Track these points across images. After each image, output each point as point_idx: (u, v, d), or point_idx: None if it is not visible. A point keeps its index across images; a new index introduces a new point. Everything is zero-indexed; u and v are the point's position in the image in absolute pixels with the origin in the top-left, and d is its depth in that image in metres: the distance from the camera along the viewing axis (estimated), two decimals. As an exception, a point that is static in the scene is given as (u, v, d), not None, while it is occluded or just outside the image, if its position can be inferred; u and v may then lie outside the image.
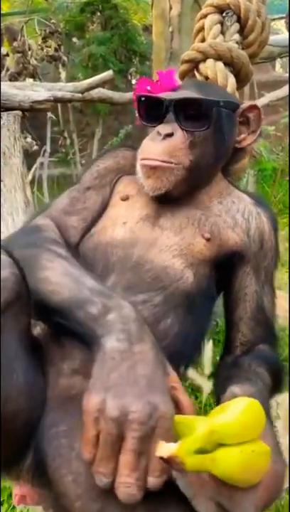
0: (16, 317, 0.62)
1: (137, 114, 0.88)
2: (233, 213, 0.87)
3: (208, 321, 0.89)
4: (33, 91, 1.93)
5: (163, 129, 0.78)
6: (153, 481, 0.53)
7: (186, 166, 0.79)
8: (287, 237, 5.39)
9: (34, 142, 3.09)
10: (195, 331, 0.82)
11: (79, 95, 2.49)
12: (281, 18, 9.29)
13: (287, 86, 4.64)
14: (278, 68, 10.09)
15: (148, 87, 0.91)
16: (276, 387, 0.81)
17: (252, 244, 0.86)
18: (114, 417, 0.51)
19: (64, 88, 2.46)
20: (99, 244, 0.81)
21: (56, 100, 2.05)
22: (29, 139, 2.89)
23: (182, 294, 0.77)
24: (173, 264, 0.77)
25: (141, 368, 0.54)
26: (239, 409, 0.51)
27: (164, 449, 0.49)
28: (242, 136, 0.90)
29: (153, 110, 0.82)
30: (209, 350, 1.63)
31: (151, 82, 0.91)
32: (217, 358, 2.19)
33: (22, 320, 0.66)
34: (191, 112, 0.79)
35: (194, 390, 2.66)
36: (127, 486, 0.51)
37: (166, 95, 0.83)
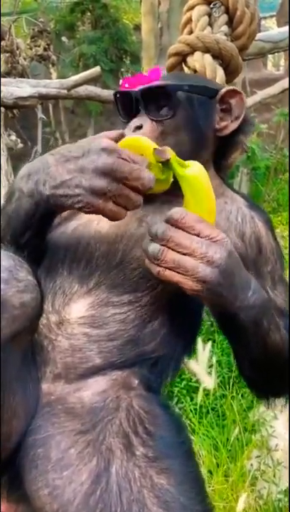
0: (24, 337, 0.63)
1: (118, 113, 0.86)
2: (227, 215, 0.82)
3: (198, 321, 0.84)
4: (18, 87, 1.88)
5: (134, 122, 0.76)
6: None
7: None
8: (282, 236, 5.39)
9: (18, 140, 3.03)
10: (185, 332, 0.78)
11: (65, 92, 2.44)
12: (272, 16, 9.34)
13: (279, 84, 4.64)
14: (270, 66, 10.14)
15: (126, 85, 0.88)
16: None
17: (249, 249, 0.80)
18: None
19: (49, 85, 2.41)
20: (81, 237, 0.76)
21: (41, 97, 2.00)
22: (13, 137, 2.84)
23: (170, 293, 0.73)
24: None
25: None
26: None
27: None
28: (224, 123, 0.85)
29: (127, 106, 0.80)
30: (207, 351, 1.59)
31: (133, 78, 0.88)
32: (214, 358, 2.18)
33: (27, 338, 0.65)
34: (157, 101, 0.76)
35: (189, 392, 2.64)
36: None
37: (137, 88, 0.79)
